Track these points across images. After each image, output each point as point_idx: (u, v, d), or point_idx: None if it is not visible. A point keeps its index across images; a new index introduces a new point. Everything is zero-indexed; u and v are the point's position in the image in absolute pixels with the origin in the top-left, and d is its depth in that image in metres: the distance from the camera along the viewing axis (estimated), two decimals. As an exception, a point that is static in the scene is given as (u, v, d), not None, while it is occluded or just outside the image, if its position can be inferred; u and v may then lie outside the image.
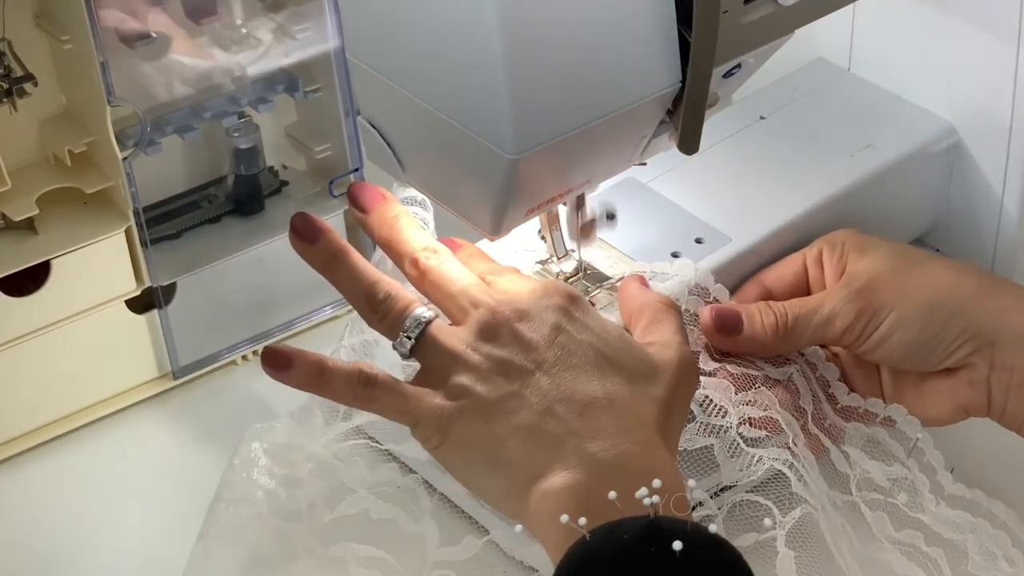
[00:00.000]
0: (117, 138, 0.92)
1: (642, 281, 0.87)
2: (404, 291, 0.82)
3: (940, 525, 0.84)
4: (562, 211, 0.89)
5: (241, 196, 1.02)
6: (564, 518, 0.68)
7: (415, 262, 0.83)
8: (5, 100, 0.91)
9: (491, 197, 0.78)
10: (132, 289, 0.97)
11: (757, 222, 0.94)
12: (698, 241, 0.93)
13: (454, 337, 0.79)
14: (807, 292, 0.90)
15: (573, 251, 0.90)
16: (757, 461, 0.84)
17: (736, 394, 0.85)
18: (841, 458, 0.86)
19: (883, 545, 0.84)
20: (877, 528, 0.84)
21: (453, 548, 0.83)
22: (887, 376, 0.89)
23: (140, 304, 0.98)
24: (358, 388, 0.78)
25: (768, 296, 0.90)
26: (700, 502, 0.83)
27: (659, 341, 0.81)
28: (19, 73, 0.91)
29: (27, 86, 0.91)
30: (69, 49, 0.90)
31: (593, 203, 0.89)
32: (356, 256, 0.82)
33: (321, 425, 0.87)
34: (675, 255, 0.92)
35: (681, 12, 0.76)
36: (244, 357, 1.02)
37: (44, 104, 0.94)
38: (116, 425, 0.99)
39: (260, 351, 0.80)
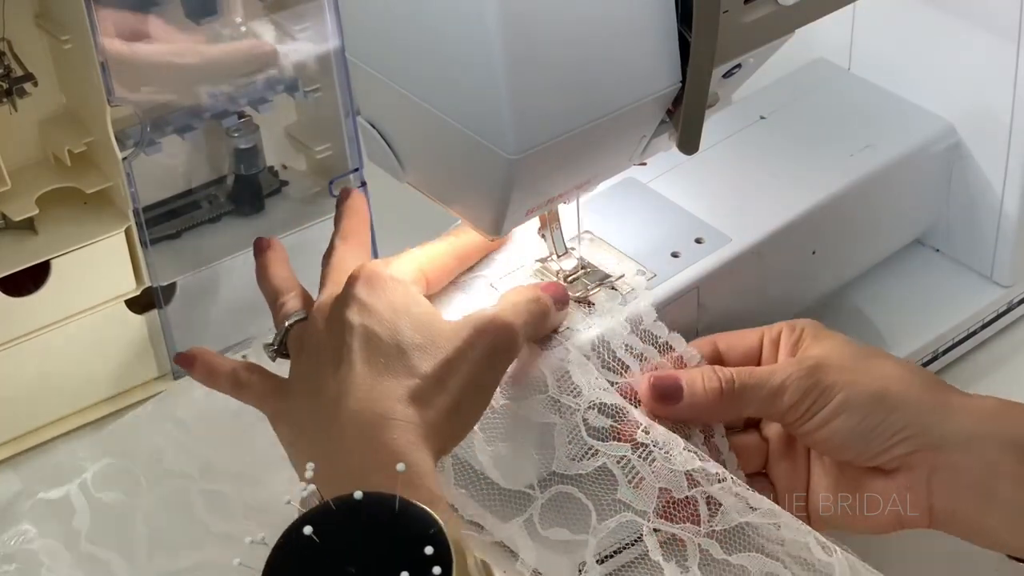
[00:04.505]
0: (117, 138, 0.92)
1: (557, 291, 0.86)
2: (296, 301, 0.86)
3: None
4: (562, 210, 0.89)
5: (241, 196, 1.02)
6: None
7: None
8: (5, 100, 0.91)
9: (491, 197, 0.78)
10: (132, 289, 0.97)
11: (757, 222, 0.94)
12: (698, 241, 0.93)
13: (292, 341, 0.84)
14: (756, 364, 0.88)
15: (573, 249, 0.90)
16: (591, 455, 0.83)
17: (598, 377, 0.84)
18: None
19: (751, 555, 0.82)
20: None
21: None
22: (820, 477, 0.86)
23: (140, 304, 0.98)
24: (231, 387, 0.85)
25: (717, 358, 0.89)
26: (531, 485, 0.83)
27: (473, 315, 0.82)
28: (19, 73, 0.91)
29: (27, 86, 0.91)
30: (69, 49, 0.90)
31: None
32: (276, 270, 0.88)
33: None
34: (675, 255, 0.92)
35: (681, 12, 0.76)
36: (244, 357, 1.02)
37: (44, 104, 0.94)
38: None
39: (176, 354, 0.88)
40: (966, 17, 0.98)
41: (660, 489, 0.81)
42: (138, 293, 0.97)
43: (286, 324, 0.84)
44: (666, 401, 0.85)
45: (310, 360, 0.81)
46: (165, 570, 0.85)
